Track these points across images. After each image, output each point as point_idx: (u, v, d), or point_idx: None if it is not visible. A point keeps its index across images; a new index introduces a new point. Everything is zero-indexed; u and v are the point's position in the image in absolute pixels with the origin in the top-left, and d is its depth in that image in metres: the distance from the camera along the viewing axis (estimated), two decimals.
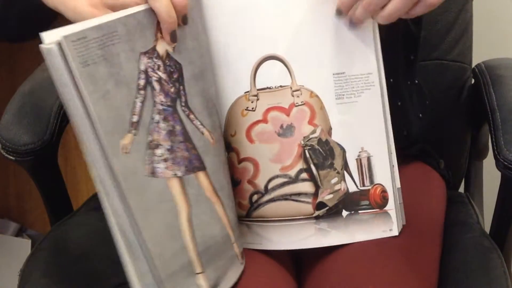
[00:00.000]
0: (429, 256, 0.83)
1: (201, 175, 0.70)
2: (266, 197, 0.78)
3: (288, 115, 0.76)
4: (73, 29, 0.56)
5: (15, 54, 1.53)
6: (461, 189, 1.13)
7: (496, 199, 0.91)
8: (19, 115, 0.85)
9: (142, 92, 0.63)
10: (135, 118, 0.62)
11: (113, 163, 0.59)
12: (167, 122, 0.66)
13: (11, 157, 0.83)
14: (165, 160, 0.65)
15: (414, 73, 0.89)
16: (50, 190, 0.96)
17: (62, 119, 0.87)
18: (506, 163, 0.81)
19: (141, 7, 0.62)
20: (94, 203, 1.00)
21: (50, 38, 0.55)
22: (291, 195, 0.78)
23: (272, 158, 0.77)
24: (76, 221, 0.94)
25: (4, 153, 0.83)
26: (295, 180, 0.77)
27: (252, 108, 0.76)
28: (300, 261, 0.86)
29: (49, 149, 0.86)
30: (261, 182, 0.77)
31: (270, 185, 0.77)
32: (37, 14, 0.69)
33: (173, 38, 0.65)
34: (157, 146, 0.64)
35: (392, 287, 0.75)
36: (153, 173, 0.64)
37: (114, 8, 0.63)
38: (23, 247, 1.64)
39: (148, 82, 0.64)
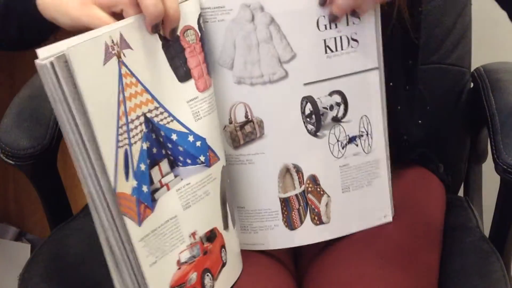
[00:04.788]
0: (428, 260, 0.83)
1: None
2: None
3: None
4: (68, 45, 0.55)
5: (15, 59, 1.53)
6: (461, 193, 1.13)
7: (496, 203, 0.91)
8: (19, 119, 0.85)
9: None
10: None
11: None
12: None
13: (11, 162, 0.83)
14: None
15: (414, 78, 0.88)
16: (50, 194, 0.96)
17: None
18: (505, 167, 0.81)
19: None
20: None
21: (44, 54, 0.55)
22: None
23: None
24: (76, 226, 0.94)
25: (4, 158, 0.83)
26: None
27: None
28: (299, 261, 0.86)
29: (49, 153, 0.86)
30: None
31: None
32: (37, 23, 0.68)
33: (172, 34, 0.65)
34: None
35: None
36: None
37: (101, 6, 0.62)
38: (23, 251, 1.63)
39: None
